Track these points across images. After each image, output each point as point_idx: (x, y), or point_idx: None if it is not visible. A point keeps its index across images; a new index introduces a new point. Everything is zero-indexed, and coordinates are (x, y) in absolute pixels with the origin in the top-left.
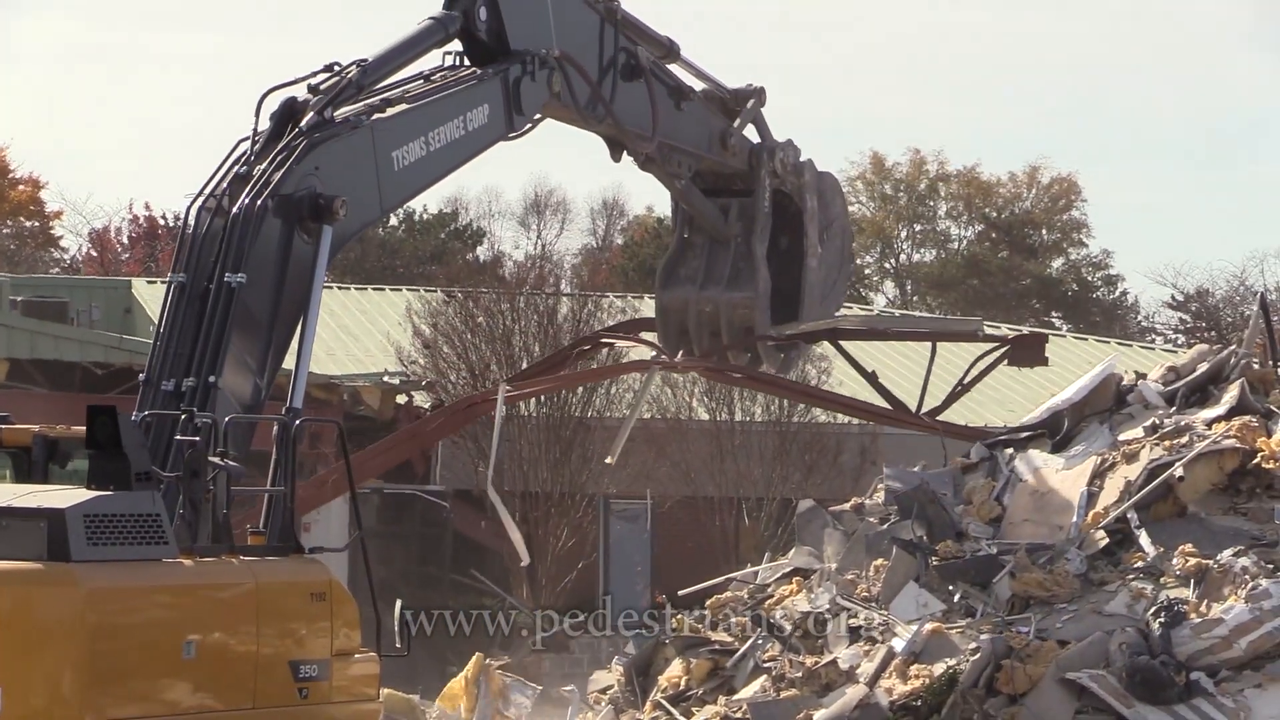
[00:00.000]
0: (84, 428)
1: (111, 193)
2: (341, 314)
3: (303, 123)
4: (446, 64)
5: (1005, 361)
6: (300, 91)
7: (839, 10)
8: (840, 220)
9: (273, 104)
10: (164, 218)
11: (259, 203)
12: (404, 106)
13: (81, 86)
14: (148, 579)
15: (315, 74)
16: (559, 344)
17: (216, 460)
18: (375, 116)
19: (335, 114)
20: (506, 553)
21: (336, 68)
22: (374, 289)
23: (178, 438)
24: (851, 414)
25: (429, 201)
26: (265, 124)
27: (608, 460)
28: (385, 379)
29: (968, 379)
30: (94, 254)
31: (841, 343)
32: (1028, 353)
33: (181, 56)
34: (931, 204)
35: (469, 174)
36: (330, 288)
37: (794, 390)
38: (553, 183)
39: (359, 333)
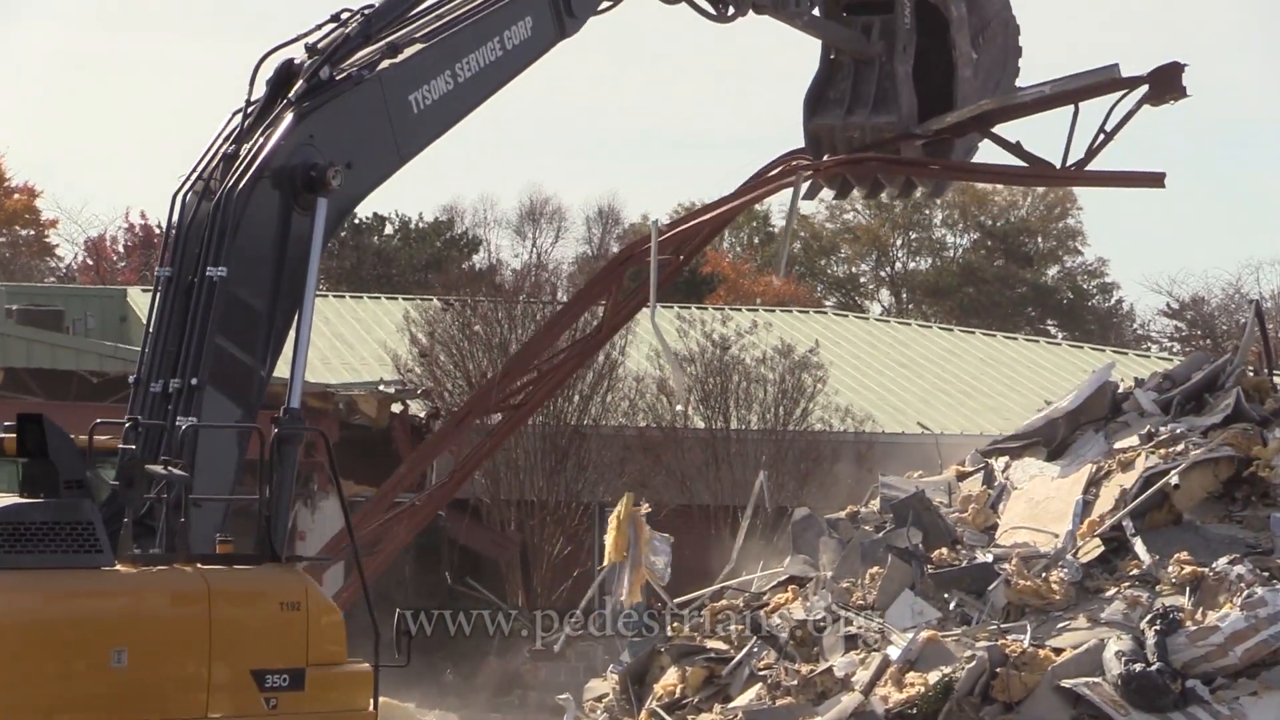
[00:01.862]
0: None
1: (107, 201)
2: (337, 322)
3: (294, 89)
4: None
5: (1149, 103)
6: (300, 53)
7: None
8: (1000, 15)
9: (272, 71)
10: (159, 226)
11: (243, 184)
12: (418, 47)
13: (78, 94)
14: (70, 586)
15: (320, 26)
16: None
17: (158, 469)
18: (384, 64)
19: (339, 70)
20: (503, 560)
21: (346, 15)
22: (370, 297)
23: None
24: (1002, 180)
25: (425, 210)
26: (262, 91)
27: (775, 279)
28: (381, 387)
29: (1109, 125)
30: (89, 262)
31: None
32: (1166, 86)
33: (179, 63)
34: (927, 212)
35: (465, 182)
36: (325, 296)
37: (943, 168)
38: (548, 190)
39: (354, 341)
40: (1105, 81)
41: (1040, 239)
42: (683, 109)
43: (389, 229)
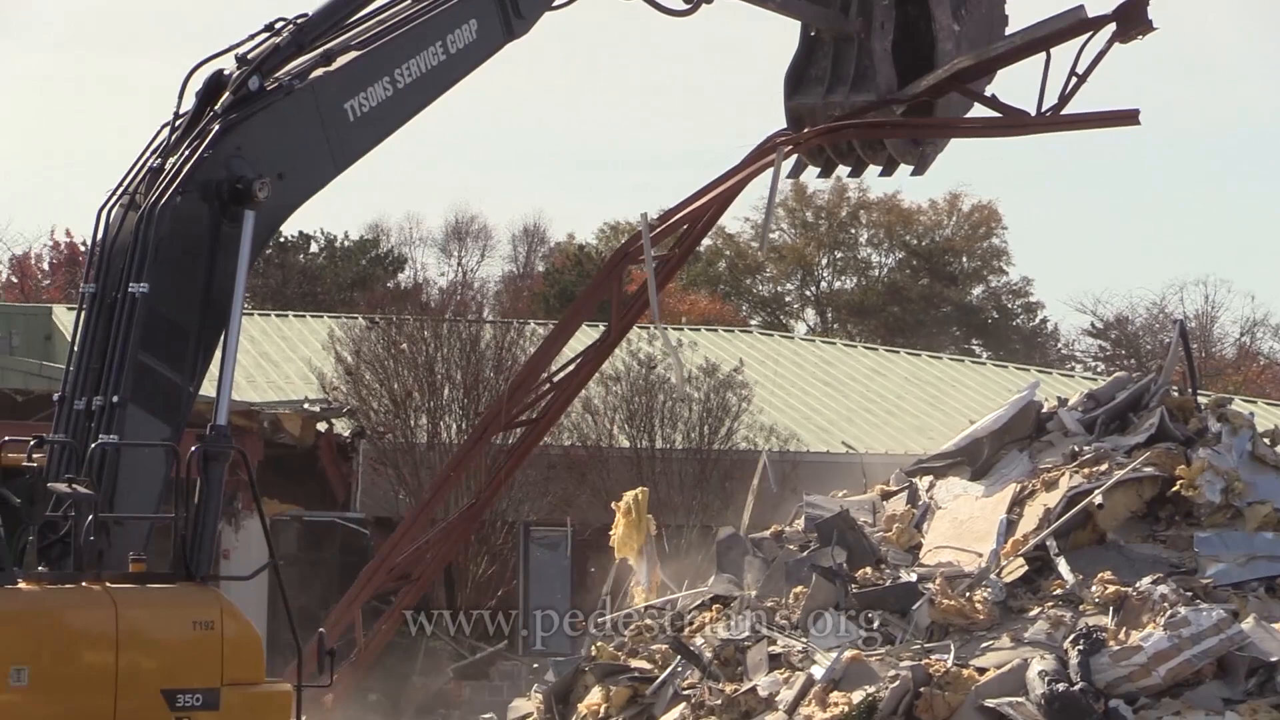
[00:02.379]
0: None
1: (32, 219)
2: (263, 340)
3: (220, 101)
4: None
5: (1119, 40)
6: (232, 64)
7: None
8: None
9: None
10: (84, 244)
11: (165, 198)
12: (353, 54)
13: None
14: None
15: (253, 36)
16: (481, 372)
17: (60, 486)
18: (317, 73)
19: (270, 80)
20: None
21: (280, 24)
22: (295, 316)
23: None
24: (980, 133)
25: (350, 228)
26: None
27: (760, 255)
28: (306, 406)
29: (1080, 69)
30: (14, 280)
31: None
32: (1132, 20)
33: (103, 79)
34: (853, 231)
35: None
36: (250, 314)
37: (918, 125)
38: (474, 209)
39: (280, 360)
40: (1073, 24)
41: (965, 258)
42: (610, 127)
43: (314, 247)
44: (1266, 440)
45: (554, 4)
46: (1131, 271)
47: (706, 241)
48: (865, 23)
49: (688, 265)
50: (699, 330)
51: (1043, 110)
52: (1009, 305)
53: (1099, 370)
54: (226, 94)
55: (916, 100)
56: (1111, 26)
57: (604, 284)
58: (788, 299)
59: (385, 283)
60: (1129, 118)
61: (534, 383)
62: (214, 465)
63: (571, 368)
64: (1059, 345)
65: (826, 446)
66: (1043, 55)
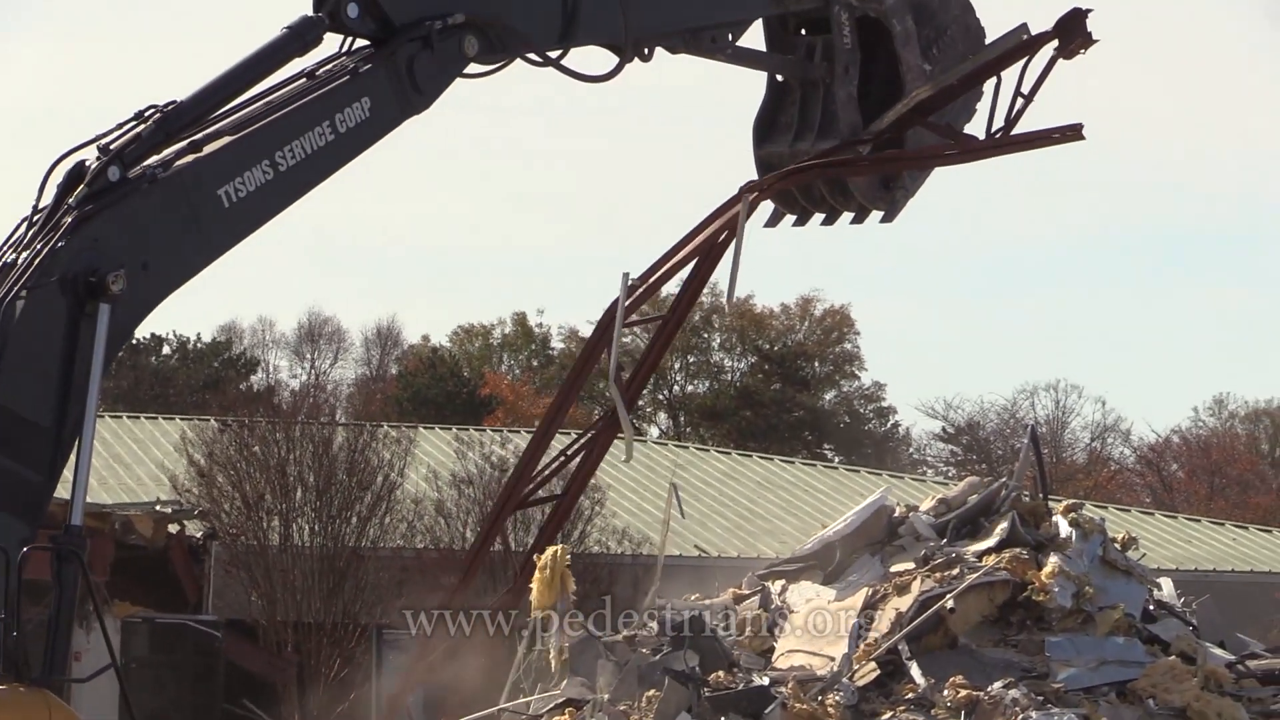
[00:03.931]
0: None
1: None
2: (114, 442)
3: (74, 193)
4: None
5: (1063, 57)
6: (94, 154)
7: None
8: (960, 21)
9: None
10: None
11: (11, 294)
12: (226, 140)
13: None
14: None
15: (122, 125)
16: (334, 474)
17: None
18: (187, 159)
19: (134, 169)
20: (280, 682)
21: (150, 112)
22: (147, 418)
23: None
24: (931, 163)
25: (203, 330)
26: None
27: (726, 308)
28: (158, 508)
29: (1025, 88)
30: None
31: None
32: (1072, 34)
33: None
34: (705, 336)
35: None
36: (103, 416)
37: (875, 161)
38: (327, 311)
39: (131, 461)
40: (1017, 44)
41: (817, 363)
42: (465, 229)
43: (167, 349)
44: (1117, 545)
45: (456, 80)
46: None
47: (560, 345)
48: (830, 68)
49: (541, 368)
50: None
51: (992, 133)
52: (861, 410)
53: (951, 475)
54: (82, 186)
55: (882, 140)
56: (1055, 43)
57: (599, 346)
58: (641, 403)
59: (238, 385)
60: (1073, 134)
61: (540, 455)
62: (68, 566)
63: (594, 431)
64: (911, 450)
65: (680, 550)
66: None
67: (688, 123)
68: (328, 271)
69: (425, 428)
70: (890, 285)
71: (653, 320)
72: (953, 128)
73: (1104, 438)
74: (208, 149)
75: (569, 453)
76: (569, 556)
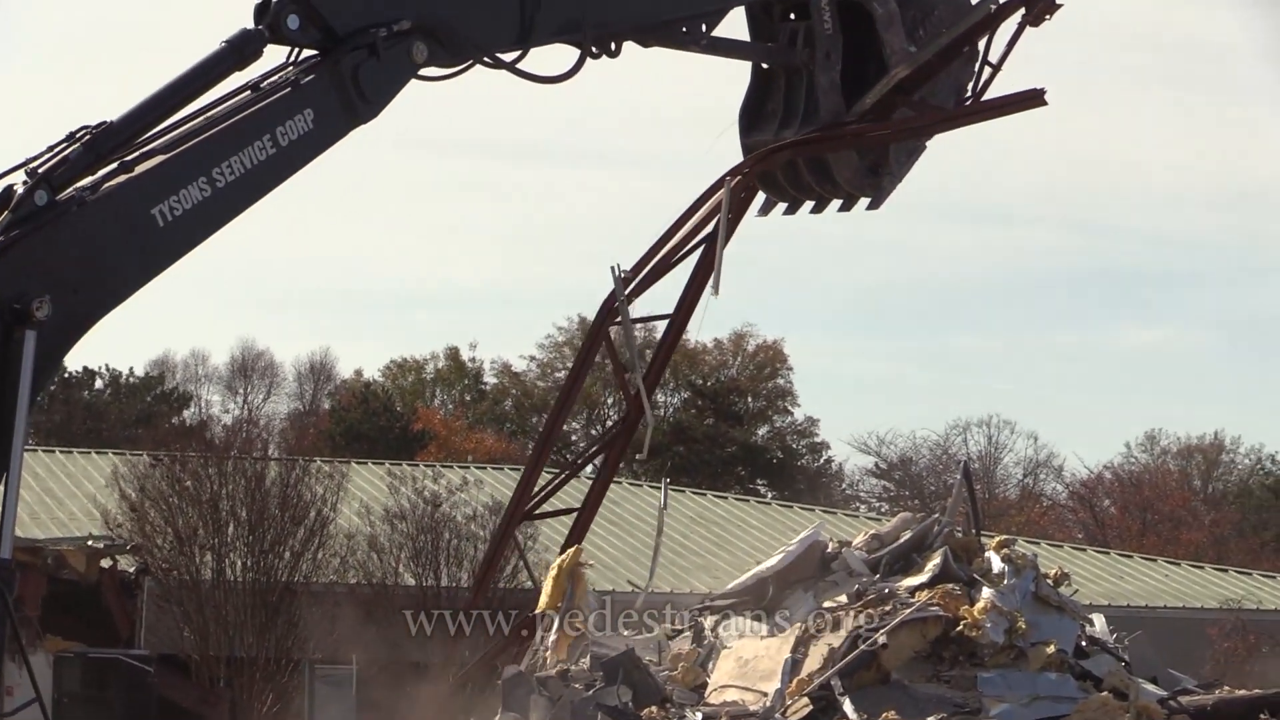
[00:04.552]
0: None
1: None
2: (46, 477)
3: (2, 218)
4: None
5: (1030, 24)
6: (22, 177)
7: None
8: (947, 2)
9: None
10: None
11: None
12: (159, 159)
13: None
14: None
15: (53, 147)
16: (266, 509)
17: None
18: (118, 180)
19: (63, 192)
20: (212, 718)
21: (81, 133)
22: (79, 452)
23: None
24: (904, 135)
25: (135, 364)
26: None
27: (712, 294)
28: (90, 543)
29: (993, 58)
30: None
31: None
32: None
33: None
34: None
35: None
36: (34, 450)
37: (852, 134)
38: (260, 345)
39: (63, 496)
40: (986, 13)
41: (750, 398)
42: (396, 263)
43: (99, 383)
44: (1050, 581)
45: (405, 85)
46: (915, 412)
47: (492, 380)
48: (812, 54)
49: (474, 403)
50: (485, 469)
51: (962, 102)
52: (794, 445)
53: (883, 510)
54: (6, 212)
55: (866, 122)
56: (1022, 10)
57: (594, 346)
58: (574, 437)
59: (170, 419)
60: (1035, 99)
61: (543, 466)
62: None
63: (611, 435)
64: (844, 485)
65: (612, 586)
66: None
67: (621, 152)
68: (261, 305)
69: (358, 462)
70: (822, 321)
71: (655, 319)
72: (926, 103)
73: (1036, 473)
74: (140, 168)
75: (586, 455)
76: (582, 559)
